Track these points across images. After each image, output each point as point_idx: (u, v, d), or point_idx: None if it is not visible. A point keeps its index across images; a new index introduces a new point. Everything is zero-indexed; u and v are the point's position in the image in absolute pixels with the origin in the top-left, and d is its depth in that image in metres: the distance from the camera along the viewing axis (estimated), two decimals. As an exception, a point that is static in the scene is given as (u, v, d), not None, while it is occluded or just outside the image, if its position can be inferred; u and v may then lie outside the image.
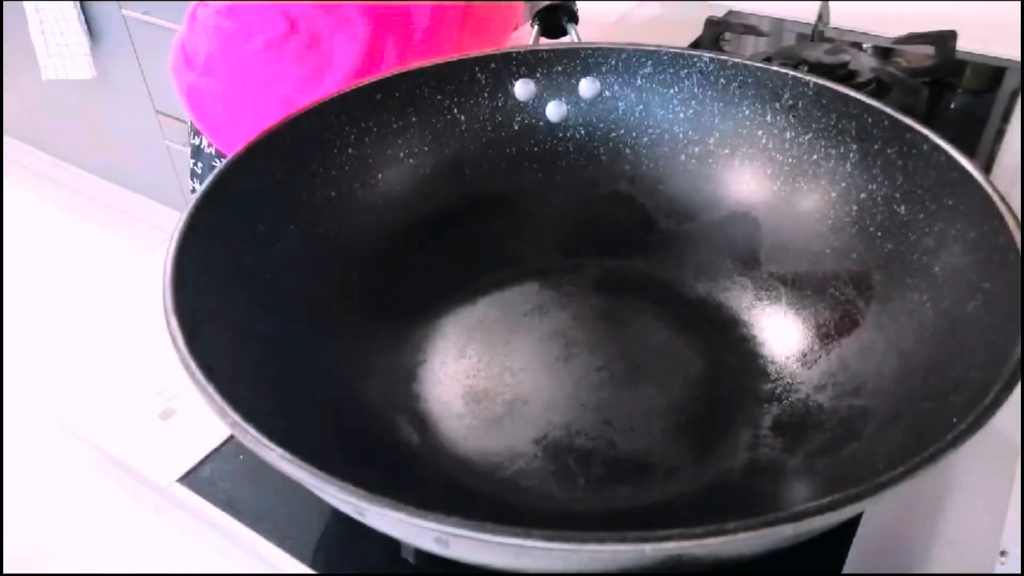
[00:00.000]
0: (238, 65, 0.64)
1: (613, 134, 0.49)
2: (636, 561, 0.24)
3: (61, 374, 0.45)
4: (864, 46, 0.71)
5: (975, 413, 0.26)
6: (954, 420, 0.26)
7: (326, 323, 0.41)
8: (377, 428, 0.39)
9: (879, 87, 0.64)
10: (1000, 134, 0.62)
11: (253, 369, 0.35)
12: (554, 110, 0.49)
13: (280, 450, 0.26)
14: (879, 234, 0.40)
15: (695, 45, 0.76)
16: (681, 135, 0.47)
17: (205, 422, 0.41)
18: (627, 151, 0.48)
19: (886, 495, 0.24)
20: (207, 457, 0.40)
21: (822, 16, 0.73)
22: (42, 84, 1.60)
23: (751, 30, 0.77)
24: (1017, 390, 0.27)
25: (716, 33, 0.75)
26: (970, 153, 0.36)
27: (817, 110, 0.43)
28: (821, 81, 0.42)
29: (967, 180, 0.35)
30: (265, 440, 0.26)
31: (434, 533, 0.24)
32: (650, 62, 0.47)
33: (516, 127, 0.49)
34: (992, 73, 0.71)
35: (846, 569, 0.34)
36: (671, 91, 0.47)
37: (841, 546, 0.35)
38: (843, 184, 0.42)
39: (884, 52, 0.72)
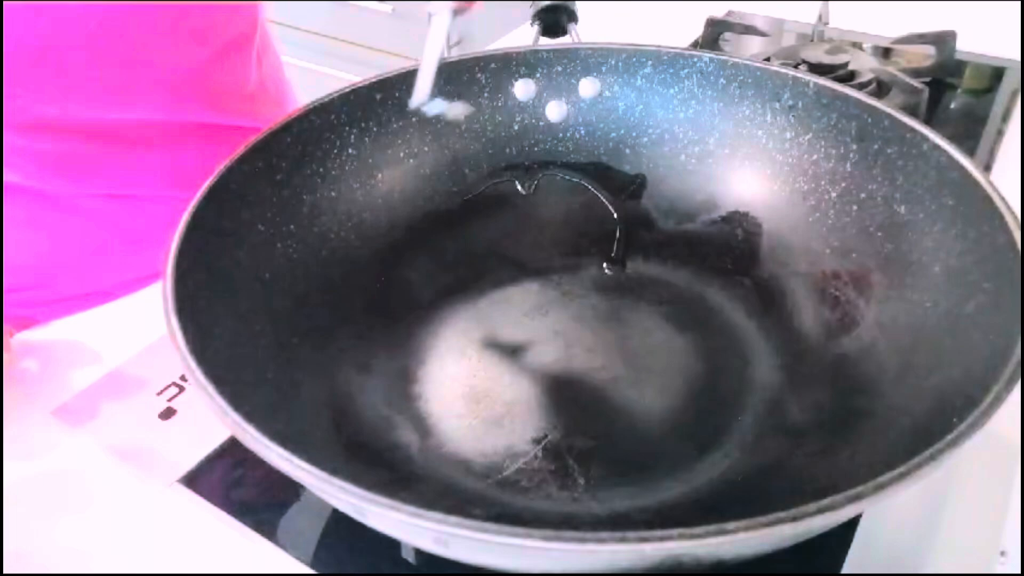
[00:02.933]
0: None
1: (613, 134, 0.49)
2: (636, 561, 0.24)
3: (60, 373, 0.45)
4: (864, 46, 0.71)
5: (975, 413, 0.26)
6: (954, 420, 0.26)
7: (326, 323, 0.41)
8: (377, 428, 0.39)
9: (879, 87, 0.64)
10: (1000, 134, 0.62)
11: (253, 369, 0.35)
12: (554, 110, 0.49)
13: (280, 450, 0.26)
14: (879, 234, 0.40)
15: (695, 45, 0.76)
16: (681, 135, 0.47)
17: (205, 422, 0.41)
18: (627, 151, 0.48)
19: (886, 495, 0.24)
20: (207, 457, 0.40)
21: (822, 16, 0.73)
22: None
23: (751, 30, 0.77)
24: (1017, 390, 0.27)
25: (716, 33, 0.75)
26: (970, 153, 0.36)
27: (817, 110, 0.43)
28: (821, 81, 0.42)
29: (967, 180, 0.35)
30: (265, 440, 0.26)
31: (434, 533, 0.24)
32: (650, 62, 0.47)
33: (516, 127, 0.49)
34: (992, 73, 0.71)
35: (846, 569, 0.34)
36: (671, 91, 0.47)
37: (841, 546, 0.35)
38: (843, 184, 0.42)
39: (884, 52, 0.72)
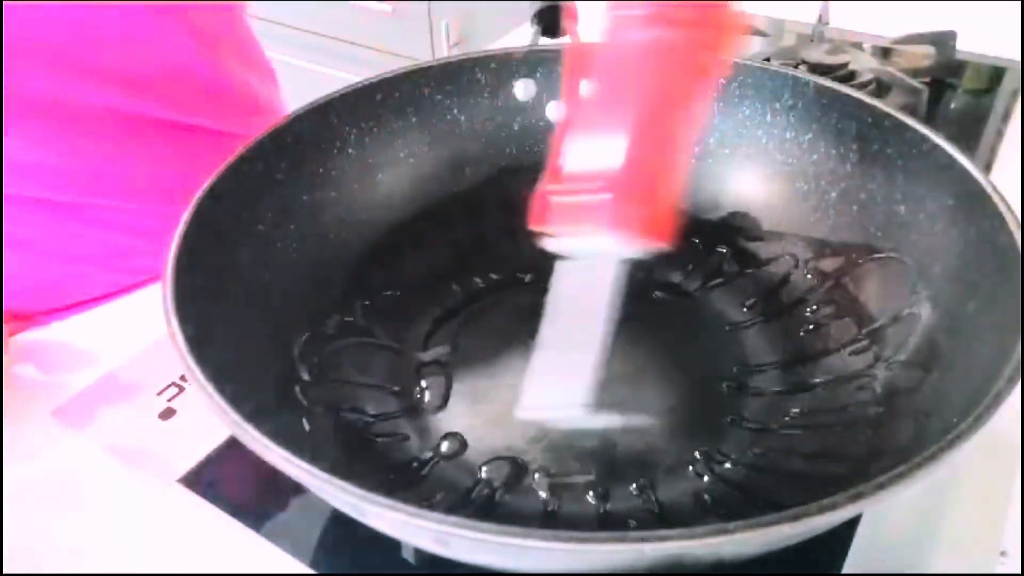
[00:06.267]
0: None
1: (613, 134, 0.48)
2: (636, 561, 0.24)
3: (60, 374, 0.45)
4: (864, 46, 0.71)
5: (975, 413, 0.26)
6: (954, 420, 0.26)
7: (326, 323, 0.41)
8: (377, 428, 0.39)
9: (879, 87, 0.64)
10: (1000, 134, 0.62)
11: (253, 369, 0.35)
12: (554, 110, 0.49)
13: (280, 450, 0.26)
14: (879, 234, 0.40)
15: (695, 45, 0.76)
16: (681, 135, 0.47)
17: (205, 422, 0.41)
18: (627, 151, 0.48)
19: (886, 495, 0.24)
20: (207, 457, 0.40)
21: (822, 16, 0.73)
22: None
23: (751, 30, 0.77)
24: (1017, 390, 0.27)
25: (716, 33, 0.75)
26: (970, 153, 0.36)
27: (817, 110, 0.43)
28: (821, 81, 0.42)
29: (967, 180, 0.35)
30: (265, 440, 0.26)
31: (434, 533, 0.24)
32: (650, 62, 0.47)
33: (516, 127, 0.49)
34: (992, 73, 0.71)
35: (846, 569, 0.34)
36: (671, 91, 0.47)
37: (841, 546, 0.35)
38: (843, 184, 0.42)
39: (884, 52, 0.72)
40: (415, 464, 0.37)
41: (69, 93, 0.46)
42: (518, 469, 0.37)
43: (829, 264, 0.42)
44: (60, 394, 0.44)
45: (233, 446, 0.40)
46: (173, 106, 0.52)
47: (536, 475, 0.37)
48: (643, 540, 0.22)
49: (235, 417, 0.27)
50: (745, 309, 0.44)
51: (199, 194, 0.36)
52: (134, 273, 0.53)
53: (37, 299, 0.52)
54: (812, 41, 0.71)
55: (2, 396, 0.42)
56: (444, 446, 0.38)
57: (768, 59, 0.64)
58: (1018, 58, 0.71)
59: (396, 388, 0.41)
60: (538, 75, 0.48)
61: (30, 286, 0.51)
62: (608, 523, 0.35)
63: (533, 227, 0.33)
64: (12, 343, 0.47)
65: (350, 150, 0.45)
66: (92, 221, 0.51)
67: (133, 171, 0.51)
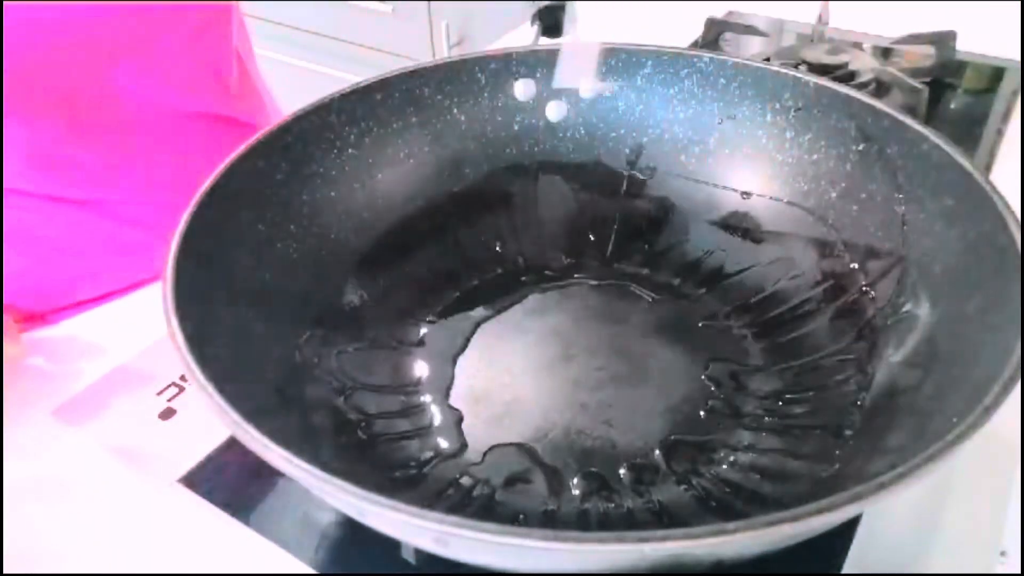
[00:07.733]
0: None
1: (613, 134, 0.49)
2: (636, 561, 0.24)
3: (61, 373, 0.45)
4: (864, 46, 0.71)
5: (975, 413, 0.26)
6: (954, 420, 0.26)
7: (326, 323, 0.41)
8: (377, 428, 0.39)
9: (879, 87, 0.64)
10: (1000, 134, 0.62)
11: (253, 369, 0.35)
12: (554, 110, 0.49)
13: (280, 450, 0.26)
14: (879, 234, 0.40)
15: (695, 45, 0.76)
16: (681, 135, 0.47)
17: (205, 422, 0.41)
18: (627, 151, 0.48)
19: (886, 495, 0.24)
20: (207, 457, 0.40)
21: (822, 16, 0.73)
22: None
23: (751, 30, 0.77)
24: (1017, 390, 0.27)
25: (716, 33, 0.75)
26: (970, 153, 0.36)
27: (817, 110, 0.43)
28: (821, 81, 0.42)
29: (967, 180, 0.35)
30: (265, 440, 0.26)
31: (434, 533, 0.24)
32: (650, 62, 0.47)
33: (516, 127, 0.49)
34: (992, 73, 0.71)
35: (846, 569, 0.34)
36: (671, 91, 0.47)
37: (841, 546, 0.35)
38: (843, 184, 0.42)
39: (884, 52, 0.72)
40: (415, 464, 0.37)
41: (89, 88, 0.47)
42: (518, 469, 0.37)
43: (829, 264, 0.42)
44: (61, 393, 0.44)
45: (233, 446, 0.40)
46: (196, 97, 0.52)
47: (536, 475, 0.37)
48: (643, 540, 0.22)
49: (235, 417, 0.27)
50: (745, 309, 0.44)
51: (199, 194, 0.36)
52: (144, 269, 0.53)
53: (48, 297, 0.52)
54: (812, 41, 0.71)
55: (2, 396, 0.42)
56: (444, 446, 0.38)
57: (768, 59, 0.64)
58: (1018, 58, 0.71)
59: (396, 388, 0.41)
60: (538, 75, 0.48)
61: (41, 283, 0.51)
62: (608, 523, 0.35)
63: None
64: (22, 339, 0.47)
65: (350, 150, 0.45)
66: (106, 216, 0.51)
67: (155, 167, 0.52)
